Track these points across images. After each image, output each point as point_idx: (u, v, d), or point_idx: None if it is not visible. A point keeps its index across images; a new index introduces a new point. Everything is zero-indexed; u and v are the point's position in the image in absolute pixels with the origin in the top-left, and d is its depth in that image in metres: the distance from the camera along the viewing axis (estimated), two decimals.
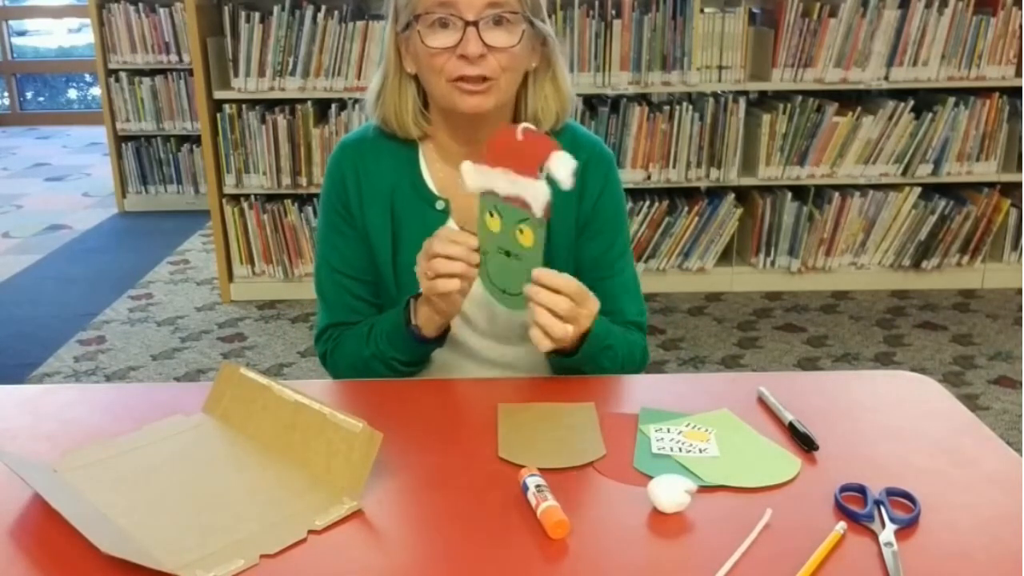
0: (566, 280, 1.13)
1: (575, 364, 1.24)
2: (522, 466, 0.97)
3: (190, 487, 0.96)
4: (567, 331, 1.12)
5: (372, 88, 1.31)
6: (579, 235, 1.34)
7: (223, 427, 1.08)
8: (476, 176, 1.12)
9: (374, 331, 1.29)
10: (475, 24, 1.17)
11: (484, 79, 1.20)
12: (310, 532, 0.88)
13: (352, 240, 1.33)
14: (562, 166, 1.08)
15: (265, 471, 0.99)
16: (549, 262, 1.28)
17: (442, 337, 1.27)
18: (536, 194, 1.08)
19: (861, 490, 0.94)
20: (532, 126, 1.13)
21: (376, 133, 1.33)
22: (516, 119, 1.31)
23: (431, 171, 1.33)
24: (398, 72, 1.28)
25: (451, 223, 1.31)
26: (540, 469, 0.96)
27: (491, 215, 1.12)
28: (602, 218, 1.34)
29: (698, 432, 1.06)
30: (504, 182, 1.10)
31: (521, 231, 1.10)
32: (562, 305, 1.11)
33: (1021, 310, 3.42)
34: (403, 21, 1.24)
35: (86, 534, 0.83)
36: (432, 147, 1.33)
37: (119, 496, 0.94)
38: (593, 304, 1.18)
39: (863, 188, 3.52)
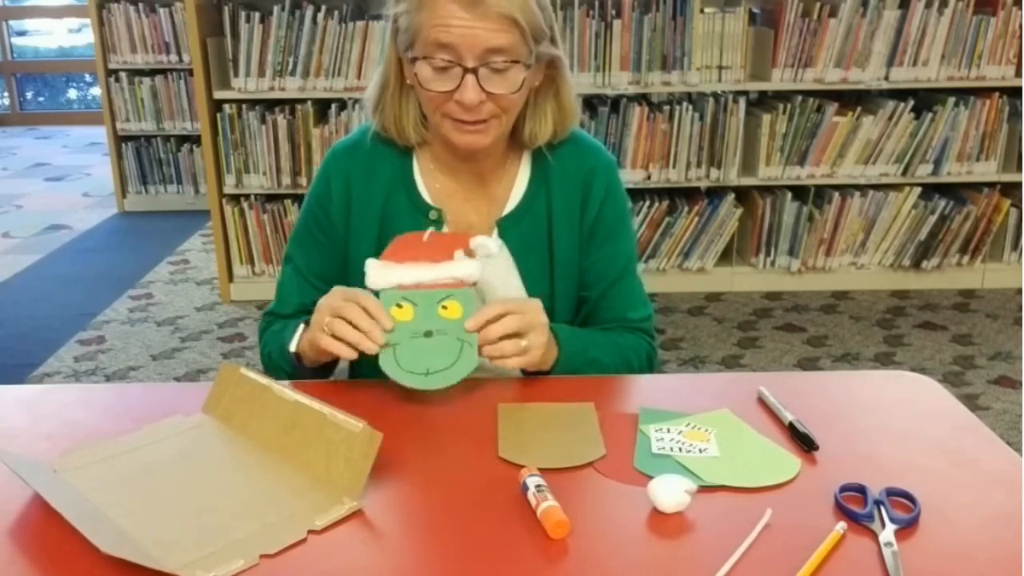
0: (496, 306, 1.14)
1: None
2: (522, 466, 0.97)
3: (190, 487, 0.96)
4: (530, 342, 1.14)
5: (371, 92, 1.30)
6: (586, 243, 1.34)
7: (223, 427, 1.08)
8: (381, 273, 1.13)
9: (278, 335, 1.30)
10: (475, 71, 1.14)
11: (482, 120, 1.19)
12: (310, 532, 0.88)
13: (323, 249, 1.34)
14: (486, 246, 1.17)
15: (265, 471, 0.99)
16: (553, 278, 1.30)
17: (325, 369, 1.26)
18: (469, 270, 1.15)
19: (861, 490, 0.94)
20: (434, 230, 1.19)
21: (373, 138, 1.32)
22: (513, 135, 1.30)
23: (425, 180, 1.32)
24: (399, 82, 1.26)
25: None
26: (540, 469, 0.96)
27: (399, 307, 1.12)
28: (607, 225, 1.34)
29: (698, 432, 1.06)
30: (420, 272, 1.14)
31: (445, 307, 1.13)
32: (511, 324, 1.13)
33: (1021, 310, 3.42)
34: (402, 43, 1.21)
35: (86, 534, 0.83)
36: (429, 156, 1.33)
37: (119, 496, 0.94)
38: (532, 306, 1.17)
39: (863, 188, 3.52)
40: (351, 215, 1.31)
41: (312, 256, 1.35)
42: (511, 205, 1.32)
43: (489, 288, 1.30)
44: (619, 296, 1.35)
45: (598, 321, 1.35)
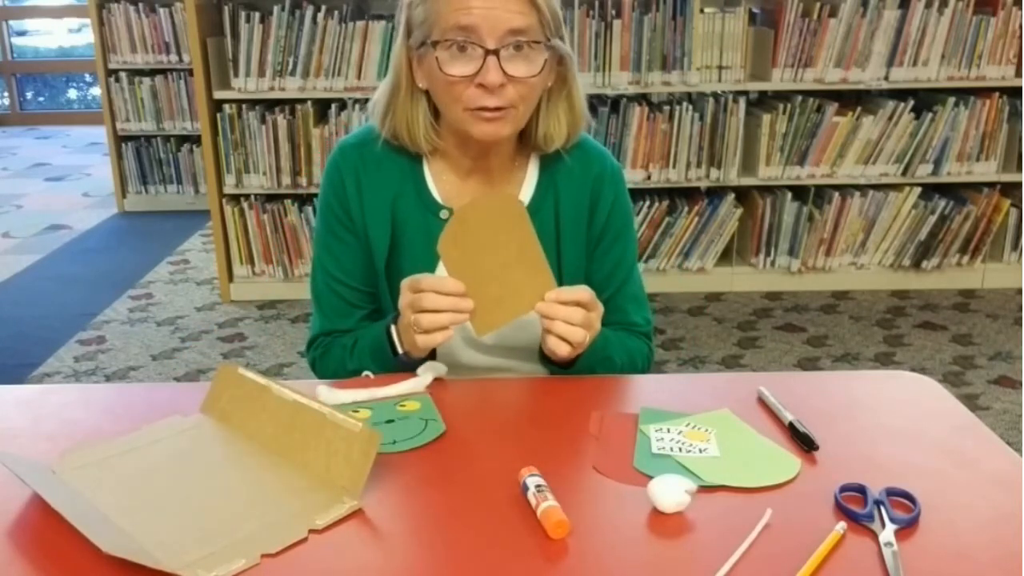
0: (578, 291, 1.13)
1: (572, 374, 1.24)
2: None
3: (189, 487, 0.96)
4: (584, 336, 1.13)
5: (379, 99, 1.28)
6: (594, 247, 1.34)
7: (222, 427, 1.08)
8: (332, 395, 1.14)
9: (358, 345, 1.28)
10: (496, 53, 1.14)
11: (501, 108, 1.17)
12: (311, 531, 0.88)
13: (351, 246, 1.31)
14: (435, 368, 1.21)
15: (265, 471, 0.99)
16: (561, 281, 1.30)
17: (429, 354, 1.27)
18: (417, 384, 1.16)
19: (861, 490, 0.94)
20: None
21: (383, 144, 1.30)
22: (525, 137, 1.29)
23: (436, 181, 1.31)
24: (409, 86, 1.24)
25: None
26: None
27: (355, 412, 1.12)
28: (614, 230, 1.34)
29: (698, 432, 1.06)
30: (372, 391, 1.15)
31: (403, 405, 1.13)
32: (577, 316, 1.12)
33: (1021, 310, 3.42)
34: (418, 38, 1.20)
35: (87, 534, 0.83)
36: (439, 160, 1.31)
37: (118, 497, 0.94)
38: (600, 308, 1.17)
39: (863, 188, 3.52)
40: (365, 209, 1.30)
41: (341, 258, 1.32)
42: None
43: None
44: (624, 299, 1.35)
45: (603, 323, 1.35)
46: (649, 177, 3.49)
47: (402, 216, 1.30)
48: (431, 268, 1.28)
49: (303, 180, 3.48)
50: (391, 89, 1.26)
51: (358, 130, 1.36)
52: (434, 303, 1.10)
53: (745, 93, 3.47)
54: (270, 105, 3.47)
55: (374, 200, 1.30)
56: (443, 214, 1.29)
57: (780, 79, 3.39)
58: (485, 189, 1.31)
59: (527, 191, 1.32)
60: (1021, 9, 3.33)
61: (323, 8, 3.32)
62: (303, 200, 3.53)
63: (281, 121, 3.42)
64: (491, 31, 1.14)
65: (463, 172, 1.31)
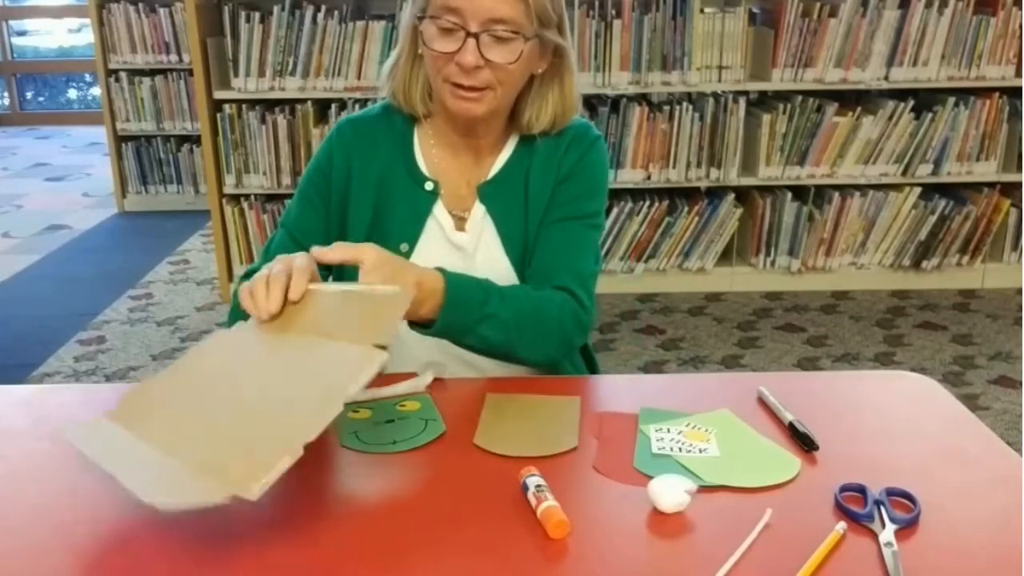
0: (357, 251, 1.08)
1: (447, 337, 1.19)
2: (495, 453, 1.00)
3: (234, 394, 0.96)
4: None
5: (389, 61, 1.34)
6: (552, 205, 1.34)
7: (260, 330, 1.04)
8: None
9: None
10: (476, 36, 1.18)
11: (477, 88, 1.21)
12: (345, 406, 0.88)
13: (316, 211, 1.35)
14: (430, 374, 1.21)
15: (299, 351, 0.98)
16: (527, 243, 1.32)
17: None
18: (418, 383, 1.18)
19: (861, 490, 0.94)
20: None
21: (380, 111, 1.36)
22: (514, 119, 1.32)
23: (425, 154, 1.35)
24: (412, 51, 1.30)
25: (439, 208, 1.33)
26: (513, 457, 0.98)
27: (355, 412, 1.12)
28: (572, 184, 1.33)
29: (698, 432, 1.06)
30: (372, 392, 1.16)
31: (403, 405, 1.14)
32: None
33: (1021, 310, 3.42)
34: (416, 8, 1.25)
35: (142, 496, 0.83)
36: (431, 130, 1.35)
37: (172, 429, 0.94)
38: (409, 272, 1.10)
39: (863, 188, 3.52)
40: (351, 185, 1.34)
41: (305, 217, 1.36)
42: (492, 172, 1.35)
43: (472, 256, 1.32)
44: (557, 247, 1.30)
45: (536, 264, 1.31)
46: (649, 177, 3.49)
47: (389, 187, 1.34)
48: (413, 236, 1.32)
49: None
50: (398, 51, 1.32)
51: (366, 108, 1.41)
52: (258, 286, 1.04)
53: (745, 93, 3.47)
54: (270, 105, 3.47)
55: (363, 171, 1.33)
56: (428, 185, 1.33)
57: (780, 79, 3.39)
58: (473, 166, 1.35)
59: (503, 157, 1.35)
60: (1021, 9, 3.33)
61: (323, 8, 3.32)
62: None
63: (281, 121, 3.42)
64: (474, 15, 1.17)
65: (452, 146, 1.35)
